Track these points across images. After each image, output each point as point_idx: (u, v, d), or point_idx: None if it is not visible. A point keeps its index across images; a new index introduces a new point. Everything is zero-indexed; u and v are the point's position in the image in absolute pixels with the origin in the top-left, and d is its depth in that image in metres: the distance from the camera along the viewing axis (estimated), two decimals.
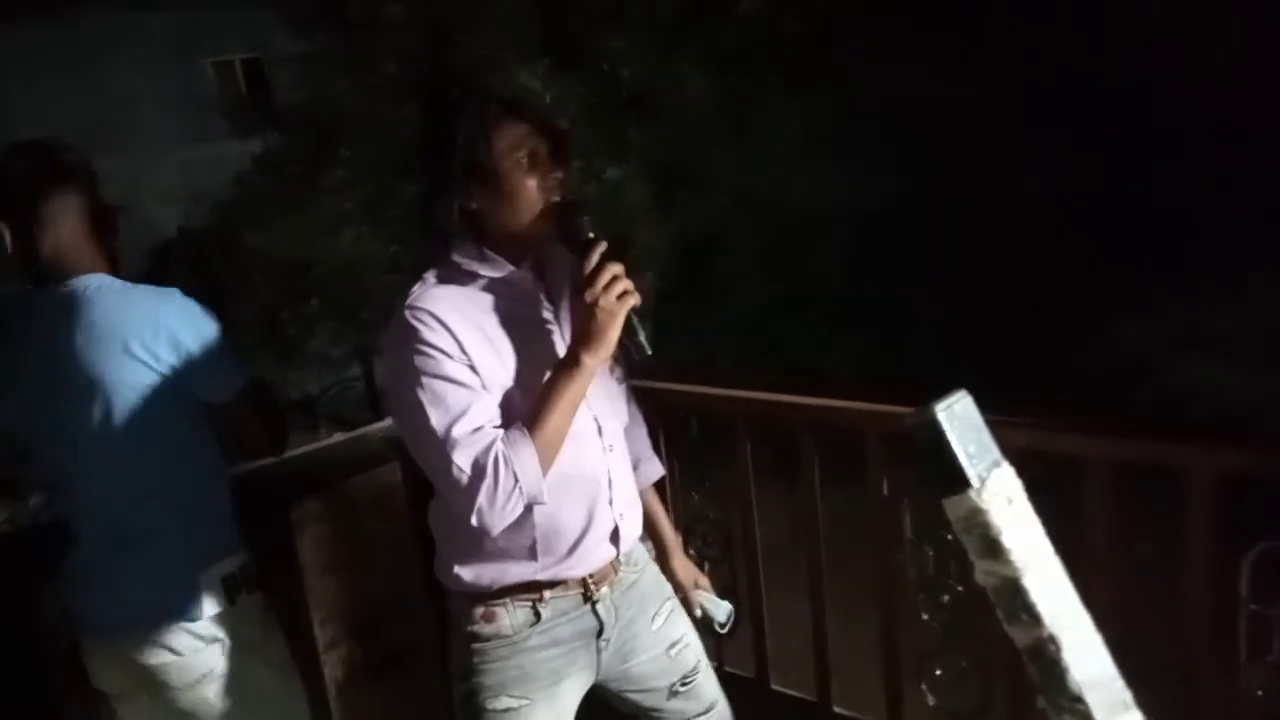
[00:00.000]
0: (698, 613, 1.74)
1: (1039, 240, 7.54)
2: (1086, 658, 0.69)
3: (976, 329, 7.32)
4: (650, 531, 1.69)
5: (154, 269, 9.13)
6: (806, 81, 7.97)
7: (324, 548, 2.22)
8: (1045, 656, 0.69)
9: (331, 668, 2.24)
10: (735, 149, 8.16)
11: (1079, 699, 0.68)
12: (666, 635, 1.56)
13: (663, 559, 1.71)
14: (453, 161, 1.29)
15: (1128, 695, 0.70)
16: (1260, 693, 1.67)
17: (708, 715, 1.62)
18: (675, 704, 1.58)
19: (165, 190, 11.19)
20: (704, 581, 1.76)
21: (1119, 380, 6.55)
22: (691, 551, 2.42)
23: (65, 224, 1.59)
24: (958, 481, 0.71)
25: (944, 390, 0.78)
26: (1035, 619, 0.69)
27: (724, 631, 1.81)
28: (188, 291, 1.72)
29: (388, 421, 2.60)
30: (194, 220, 9.12)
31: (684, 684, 1.58)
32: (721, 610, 1.75)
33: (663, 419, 2.50)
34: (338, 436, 2.59)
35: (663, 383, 2.50)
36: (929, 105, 7.63)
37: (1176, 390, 6.30)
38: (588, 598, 1.44)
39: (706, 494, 2.56)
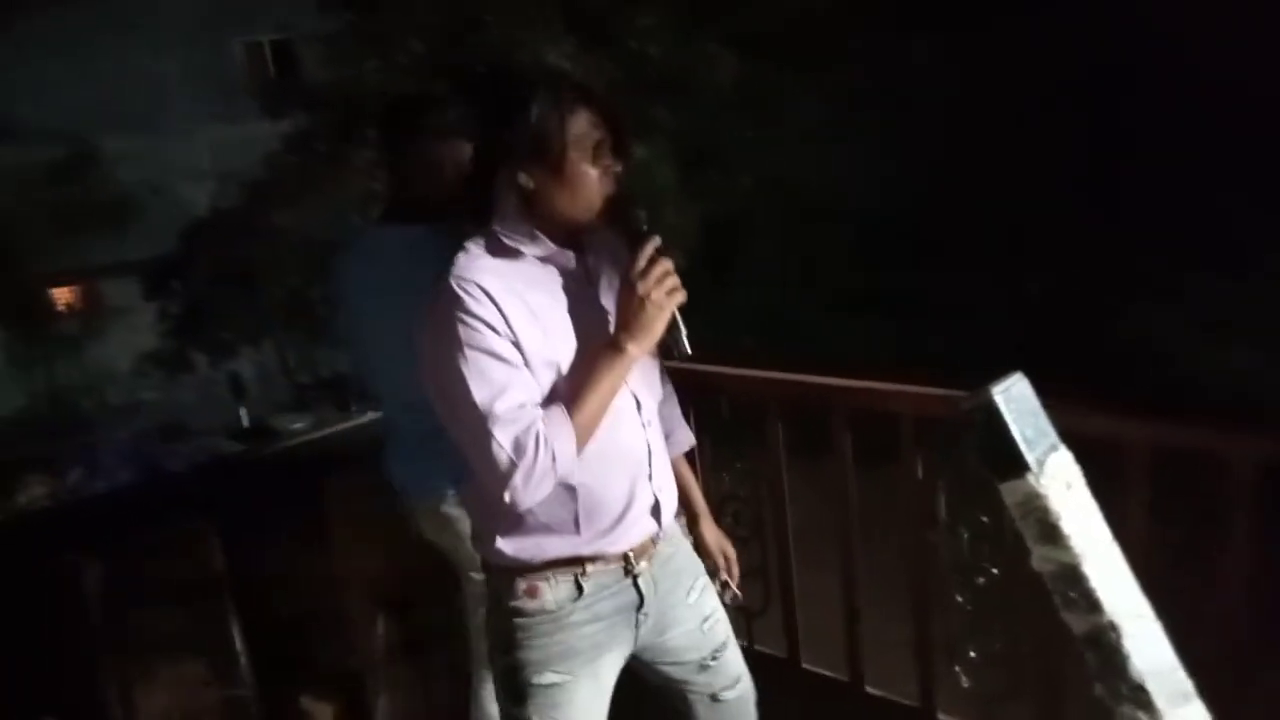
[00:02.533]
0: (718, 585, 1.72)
1: (1059, 225, 7.44)
2: (1147, 646, 0.68)
3: (995, 314, 7.26)
4: (681, 500, 1.68)
5: (185, 248, 9.23)
6: (831, 65, 7.90)
7: (357, 526, 2.24)
8: (1104, 644, 0.67)
9: (370, 642, 2.26)
10: (760, 131, 8.11)
11: (1140, 687, 0.66)
12: (700, 609, 1.57)
13: (693, 526, 1.71)
14: (520, 137, 1.29)
15: (1189, 685, 0.68)
16: None
17: (733, 689, 1.62)
18: (704, 677, 1.59)
19: (195, 170, 11.27)
20: (730, 551, 1.74)
21: (1140, 364, 6.47)
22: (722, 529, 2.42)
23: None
24: (1015, 466, 0.70)
25: (990, 375, 0.76)
26: (1094, 606, 0.67)
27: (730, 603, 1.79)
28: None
29: None
30: (224, 200, 9.18)
31: (714, 658, 1.59)
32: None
33: (694, 399, 2.49)
34: (370, 414, 2.60)
35: (695, 363, 2.48)
36: (950, 91, 7.55)
37: (1199, 375, 6.21)
38: (628, 571, 1.44)
39: (737, 474, 2.55)
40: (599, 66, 7.30)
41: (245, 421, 9.65)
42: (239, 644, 2.15)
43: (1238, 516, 1.66)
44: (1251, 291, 6.52)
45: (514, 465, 1.24)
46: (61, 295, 11.98)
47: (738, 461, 2.55)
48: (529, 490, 1.26)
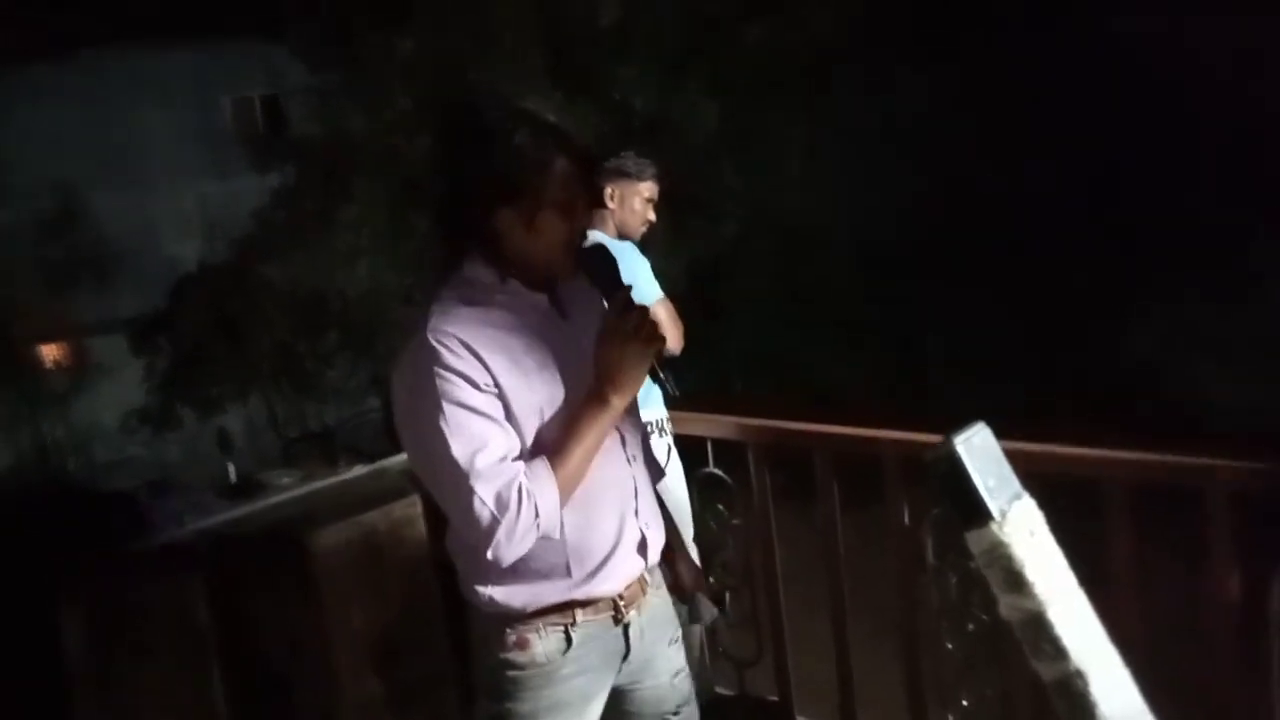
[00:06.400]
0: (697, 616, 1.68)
1: (1046, 250, 7.49)
2: (1114, 692, 0.69)
3: (985, 341, 7.28)
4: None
5: (173, 304, 9.24)
6: (811, 106, 8.03)
7: (345, 580, 2.22)
8: (1072, 691, 0.68)
9: (354, 697, 2.24)
10: (744, 174, 8.21)
11: None
12: (675, 663, 1.56)
13: (668, 556, 1.62)
14: (494, 177, 1.27)
15: None
16: None
17: None
18: None
19: (183, 225, 11.33)
20: (703, 589, 1.69)
21: (1129, 385, 6.49)
22: (712, 579, 2.40)
23: None
24: (979, 515, 0.71)
25: (961, 419, 0.78)
26: (1061, 653, 0.69)
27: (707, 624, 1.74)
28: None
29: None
30: (212, 255, 9.23)
31: (676, 713, 1.57)
32: (707, 614, 1.70)
33: (679, 446, 2.50)
34: (357, 469, 2.60)
35: (680, 411, 2.50)
36: (932, 118, 7.63)
37: (1186, 395, 6.21)
38: (618, 620, 1.43)
39: (724, 521, 2.55)
40: (584, 118, 7.41)
41: (233, 477, 9.55)
42: (222, 701, 2.13)
43: (1217, 546, 1.67)
44: (1242, 313, 6.56)
45: (496, 521, 1.23)
46: (49, 352, 11.91)
47: (725, 509, 2.55)
48: (512, 546, 1.25)
